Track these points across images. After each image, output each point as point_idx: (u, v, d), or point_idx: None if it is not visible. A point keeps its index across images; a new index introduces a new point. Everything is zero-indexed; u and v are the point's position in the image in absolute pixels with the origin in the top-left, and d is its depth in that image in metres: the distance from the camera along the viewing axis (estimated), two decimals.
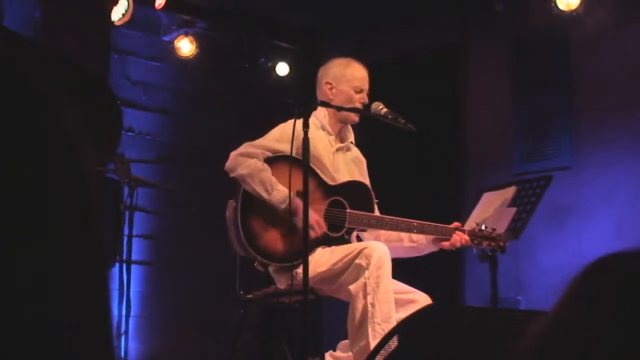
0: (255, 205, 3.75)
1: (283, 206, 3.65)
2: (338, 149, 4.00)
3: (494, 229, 3.83)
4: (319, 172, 3.85)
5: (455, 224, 3.84)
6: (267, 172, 3.72)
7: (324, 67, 4.07)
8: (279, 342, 4.10)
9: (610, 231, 5.46)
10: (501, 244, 3.81)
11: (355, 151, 4.11)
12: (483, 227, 3.82)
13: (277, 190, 3.67)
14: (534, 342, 0.87)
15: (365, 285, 3.51)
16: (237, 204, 3.75)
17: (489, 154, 6.29)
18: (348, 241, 3.81)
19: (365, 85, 3.98)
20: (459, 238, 3.77)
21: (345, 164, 4.00)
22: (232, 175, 3.76)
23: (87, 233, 0.56)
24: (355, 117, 3.99)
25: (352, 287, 3.56)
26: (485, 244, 3.81)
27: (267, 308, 5.99)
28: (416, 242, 3.89)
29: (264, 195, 3.68)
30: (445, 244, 3.80)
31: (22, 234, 0.52)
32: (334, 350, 3.81)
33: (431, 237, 3.84)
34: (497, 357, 2.52)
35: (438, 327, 2.80)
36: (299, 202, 3.54)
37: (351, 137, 4.07)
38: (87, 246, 0.56)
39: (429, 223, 3.81)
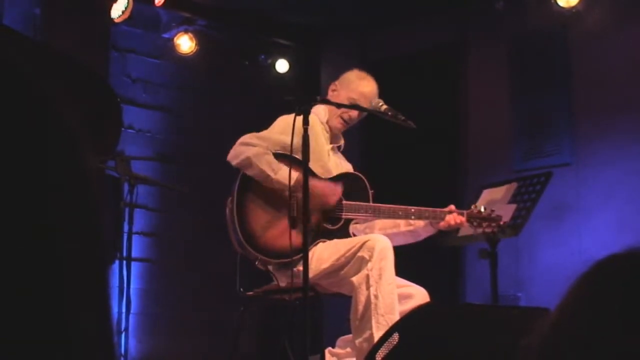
0: (252, 204, 3.75)
1: (291, 183, 3.62)
2: (331, 148, 4.02)
3: (492, 210, 3.80)
4: (315, 167, 3.85)
5: (451, 207, 3.83)
6: (271, 156, 3.74)
7: (345, 73, 4.09)
8: (279, 339, 4.09)
9: (610, 228, 5.46)
10: (501, 223, 3.77)
11: (342, 157, 4.13)
12: (482, 209, 3.81)
13: (283, 171, 3.68)
14: (538, 340, 0.87)
15: (367, 277, 3.52)
16: (232, 204, 3.75)
17: (489, 152, 6.29)
18: (347, 233, 3.82)
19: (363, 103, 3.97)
20: (453, 217, 3.77)
21: (336, 163, 4.02)
22: (235, 162, 3.75)
23: (88, 232, 0.56)
24: (338, 125, 4.00)
25: (354, 279, 3.57)
26: (485, 225, 3.78)
27: (267, 306, 5.99)
28: (413, 225, 3.89)
29: (271, 174, 3.68)
30: (441, 224, 3.80)
31: (23, 233, 0.52)
32: (333, 347, 3.82)
33: (428, 220, 3.84)
34: (496, 354, 2.52)
35: (438, 324, 2.80)
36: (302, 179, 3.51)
37: (342, 141, 4.10)
38: (88, 245, 0.56)
39: (426, 208, 3.81)
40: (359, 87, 3.99)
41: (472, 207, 3.86)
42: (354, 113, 3.98)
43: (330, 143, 4.04)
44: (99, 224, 0.57)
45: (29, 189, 0.53)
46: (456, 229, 3.82)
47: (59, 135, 0.56)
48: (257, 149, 3.74)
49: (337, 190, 3.79)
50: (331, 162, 3.98)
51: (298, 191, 3.54)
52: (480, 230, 3.78)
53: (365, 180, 3.97)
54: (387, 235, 3.70)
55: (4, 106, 0.54)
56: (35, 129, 0.55)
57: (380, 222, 3.96)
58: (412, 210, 3.82)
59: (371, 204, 3.88)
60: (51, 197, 0.54)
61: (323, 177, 3.88)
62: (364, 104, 3.94)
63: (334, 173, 3.93)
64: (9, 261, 0.51)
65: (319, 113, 3.99)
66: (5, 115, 0.53)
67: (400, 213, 3.82)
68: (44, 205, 0.54)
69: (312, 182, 3.49)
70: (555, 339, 0.86)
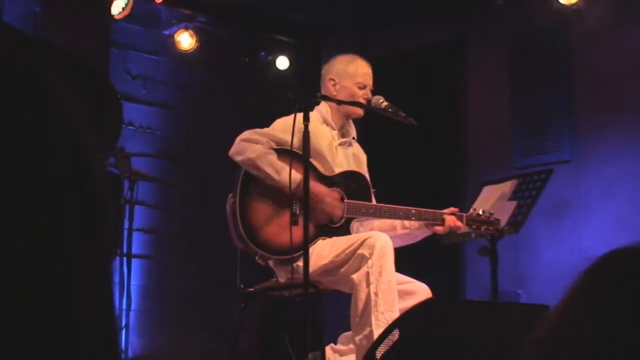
0: (254, 199, 3.75)
1: (293, 186, 3.62)
2: (340, 144, 4.00)
3: (491, 213, 3.83)
4: (317, 165, 3.85)
5: (452, 209, 3.84)
6: (274, 156, 3.73)
7: (328, 64, 4.08)
8: (279, 336, 4.10)
9: (610, 225, 5.46)
10: (499, 227, 3.81)
11: (357, 147, 4.12)
12: (481, 212, 3.83)
13: (287, 172, 3.66)
14: (543, 335, 0.87)
15: (368, 274, 3.52)
16: (235, 198, 3.75)
17: (490, 149, 6.29)
18: (348, 231, 3.82)
19: (369, 82, 3.98)
20: (452, 219, 3.78)
21: (346, 159, 4.00)
22: (237, 159, 3.74)
23: (91, 231, 0.56)
24: (359, 111, 3.99)
25: (354, 277, 3.57)
26: (483, 228, 3.81)
27: (268, 302, 6.00)
28: (409, 228, 3.90)
29: (274, 175, 3.67)
30: (439, 229, 3.81)
31: (22, 233, 0.52)
32: (335, 343, 3.82)
33: (423, 222, 3.84)
34: (496, 351, 2.53)
35: (438, 320, 2.80)
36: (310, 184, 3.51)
37: (353, 132, 4.08)
38: (91, 244, 0.56)
39: (426, 210, 3.82)
40: (357, 69, 3.99)
41: (472, 210, 3.87)
42: (368, 89, 3.97)
43: (343, 138, 4.03)
44: (103, 222, 0.57)
45: (30, 188, 0.53)
46: (454, 231, 3.83)
47: (63, 134, 0.56)
48: (260, 149, 3.73)
49: (337, 209, 3.77)
50: (339, 158, 3.96)
51: (299, 194, 3.54)
52: (479, 232, 3.81)
53: (368, 179, 3.97)
54: None
55: (9, 104, 0.54)
56: (40, 126, 0.55)
57: (378, 225, 3.96)
58: (413, 211, 3.82)
59: (373, 203, 3.88)
60: (52, 197, 0.54)
61: (325, 174, 3.88)
62: (369, 81, 3.97)
63: (337, 171, 3.92)
64: (8, 261, 0.51)
65: (322, 111, 3.98)
66: (10, 113, 0.53)
67: (400, 213, 3.82)
68: (44, 204, 0.54)
69: (314, 189, 3.52)
70: (557, 336, 0.86)
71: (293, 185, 3.58)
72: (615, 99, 5.68)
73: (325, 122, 3.98)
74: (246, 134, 3.80)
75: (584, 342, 0.83)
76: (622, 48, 5.66)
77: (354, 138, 4.09)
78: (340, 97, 3.90)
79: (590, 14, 5.74)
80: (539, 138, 5.99)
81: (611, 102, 5.69)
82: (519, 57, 6.19)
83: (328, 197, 3.76)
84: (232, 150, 3.77)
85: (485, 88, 6.41)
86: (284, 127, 3.78)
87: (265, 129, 3.86)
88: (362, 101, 3.92)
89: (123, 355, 4.53)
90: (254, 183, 3.75)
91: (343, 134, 4.05)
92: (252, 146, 3.73)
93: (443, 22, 6.56)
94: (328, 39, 7.06)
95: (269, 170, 3.68)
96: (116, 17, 5.69)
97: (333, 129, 3.99)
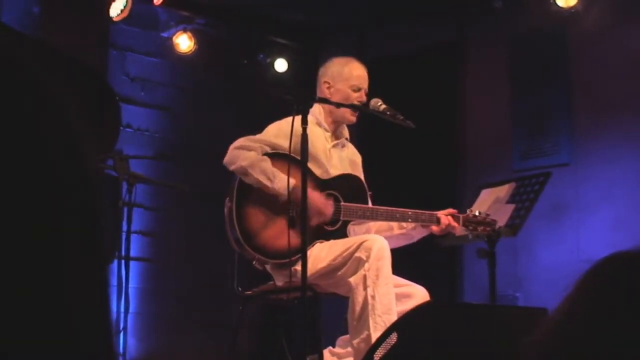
0: (250, 203, 3.75)
1: (286, 193, 3.62)
2: (334, 146, 4.00)
3: (487, 214, 3.84)
4: (314, 168, 3.85)
5: (450, 210, 3.84)
6: (267, 162, 3.72)
7: (323, 67, 4.07)
8: (277, 339, 4.10)
9: (608, 228, 5.46)
10: (496, 228, 3.82)
11: (351, 148, 4.11)
12: (477, 213, 3.84)
13: (279, 178, 3.66)
14: (542, 337, 0.87)
15: (365, 277, 3.52)
16: (232, 203, 3.74)
17: (488, 151, 6.29)
18: (345, 234, 3.81)
19: (364, 84, 3.97)
20: (449, 219, 3.78)
21: (340, 161, 4.00)
22: (231, 168, 3.75)
23: (89, 232, 0.56)
24: (351, 118, 3.98)
25: (352, 280, 3.56)
26: (480, 229, 3.82)
27: (266, 305, 5.99)
28: (405, 228, 3.89)
29: (267, 183, 3.66)
30: (435, 228, 3.81)
31: (23, 232, 0.52)
32: (333, 347, 3.82)
33: (420, 222, 3.85)
34: (494, 354, 2.53)
35: (436, 323, 2.80)
36: (300, 192, 3.51)
37: (346, 134, 4.07)
38: (89, 245, 0.56)
39: (423, 211, 3.82)
40: (352, 72, 3.98)
41: (468, 211, 3.88)
42: (362, 92, 3.96)
43: (336, 140, 4.03)
44: (100, 224, 0.57)
45: (30, 189, 0.53)
46: (450, 231, 3.83)
47: (62, 134, 0.56)
48: (252, 156, 3.72)
49: (327, 207, 3.77)
50: (333, 160, 3.96)
51: (294, 199, 3.54)
52: (475, 233, 3.82)
53: (363, 182, 3.96)
54: None
55: (8, 104, 0.54)
56: (39, 127, 0.55)
57: (375, 226, 3.96)
58: (409, 213, 3.81)
59: (369, 206, 3.88)
60: (52, 197, 0.54)
61: (322, 177, 3.87)
62: (363, 84, 3.96)
63: (334, 174, 3.92)
64: (8, 261, 0.51)
65: (315, 113, 3.97)
66: (9, 113, 0.53)
67: (397, 216, 3.82)
68: (44, 205, 0.54)
69: (309, 195, 3.52)
70: (556, 339, 0.86)
71: (285, 192, 3.59)
72: (613, 101, 5.68)
73: (319, 124, 3.98)
74: (239, 141, 3.80)
75: (583, 344, 0.83)
76: (620, 50, 5.67)
77: (346, 139, 4.08)
78: (335, 99, 3.88)
79: (588, 16, 5.74)
80: (538, 140, 6.00)
81: (609, 104, 5.70)
82: (518, 59, 6.20)
83: (315, 200, 3.72)
84: (226, 159, 3.77)
85: (484, 89, 6.41)
86: (277, 132, 3.79)
87: (258, 135, 3.85)
88: (356, 104, 3.93)
89: (121, 358, 4.52)
90: (251, 187, 3.75)
91: (336, 135, 4.05)
92: (245, 153, 3.73)
93: (442, 23, 6.57)
94: (327, 40, 7.07)
95: (261, 178, 3.68)
96: (115, 19, 5.69)
97: (326, 130, 3.99)
